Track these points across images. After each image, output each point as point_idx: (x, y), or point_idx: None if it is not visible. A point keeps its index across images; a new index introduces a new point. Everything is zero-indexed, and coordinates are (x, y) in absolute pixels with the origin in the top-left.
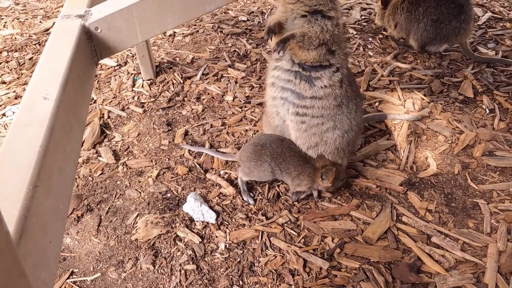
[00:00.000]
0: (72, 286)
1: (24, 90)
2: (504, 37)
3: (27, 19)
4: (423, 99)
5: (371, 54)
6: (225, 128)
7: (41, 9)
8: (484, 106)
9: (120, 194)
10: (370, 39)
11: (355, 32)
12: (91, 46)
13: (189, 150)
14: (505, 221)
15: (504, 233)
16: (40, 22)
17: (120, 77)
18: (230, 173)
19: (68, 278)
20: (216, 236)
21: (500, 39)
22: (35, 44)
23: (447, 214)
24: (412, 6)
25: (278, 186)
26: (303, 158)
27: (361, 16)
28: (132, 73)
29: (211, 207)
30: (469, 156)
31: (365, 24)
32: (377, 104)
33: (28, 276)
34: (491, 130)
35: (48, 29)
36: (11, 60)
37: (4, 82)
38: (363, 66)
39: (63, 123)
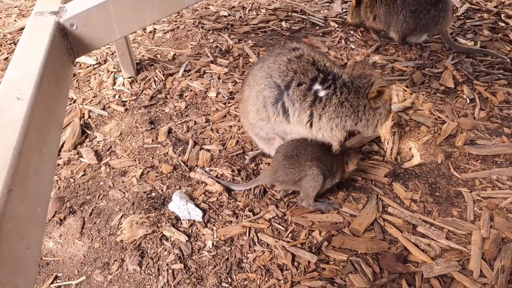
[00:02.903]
0: None
1: None
2: (482, 27)
3: (1, 18)
4: (405, 90)
5: (353, 47)
6: (209, 124)
7: (15, 7)
8: (464, 96)
9: (104, 195)
10: (351, 32)
11: (336, 25)
12: (67, 44)
13: (173, 148)
14: (487, 208)
15: (487, 220)
16: (15, 20)
17: (100, 75)
18: (216, 170)
19: (52, 283)
20: (203, 234)
21: (478, 30)
22: (10, 44)
23: (431, 204)
24: None
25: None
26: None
27: (342, 9)
28: (112, 71)
29: (197, 205)
30: (452, 145)
31: (346, 17)
32: None
33: (4, 284)
34: (472, 120)
35: (23, 27)
36: None
37: None
38: (346, 59)
39: (39, 123)
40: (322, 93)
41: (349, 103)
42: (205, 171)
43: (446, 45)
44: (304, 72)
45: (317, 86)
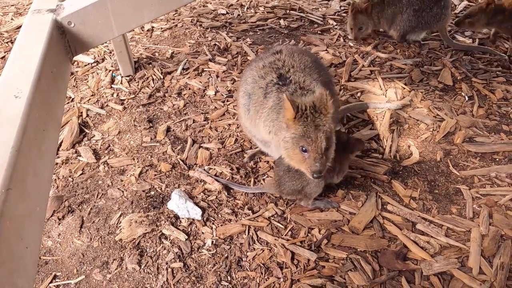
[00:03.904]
0: None
1: None
2: None
3: None
4: (404, 88)
5: (351, 44)
6: (208, 123)
7: (12, 5)
8: (463, 94)
9: (102, 193)
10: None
11: (335, 23)
12: (65, 42)
13: (172, 147)
14: (486, 205)
15: (486, 217)
16: (12, 19)
17: (98, 74)
18: (215, 168)
19: (51, 282)
20: (203, 233)
21: None
22: (7, 42)
23: (430, 201)
24: None
25: (264, 179)
26: None
27: (340, 7)
28: (110, 70)
29: (196, 204)
30: (450, 143)
31: (344, 14)
32: (359, 94)
33: (4, 284)
34: (470, 117)
35: (21, 26)
36: None
37: None
38: (344, 57)
39: (37, 122)
40: (268, 96)
41: (278, 108)
42: (205, 171)
43: (444, 43)
44: (265, 76)
45: (268, 89)
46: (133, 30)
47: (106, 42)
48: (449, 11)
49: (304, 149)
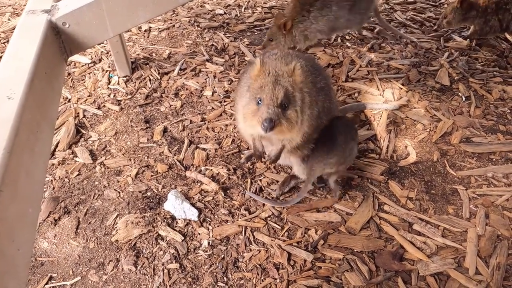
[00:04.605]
0: None
1: None
2: None
3: None
4: (401, 88)
5: (349, 45)
6: (205, 123)
7: (9, 6)
8: (460, 94)
9: (99, 194)
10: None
11: None
12: (59, 42)
13: (168, 147)
14: (483, 205)
15: (483, 218)
16: (9, 19)
17: (94, 74)
18: (211, 169)
19: (47, 283)
20: (199, 233)
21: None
22: (3, 43)
23: (427, 202)
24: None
25: (261, 180)
26: None
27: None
28: (107, 70)
29: (192, 204)
30: (447, 143)
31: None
32: (356, 94)
33: None
34: (467, 117)
35: None
36: None
37: None
38: (342, 57)
39: (30, 123)
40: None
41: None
42: (256, 194)
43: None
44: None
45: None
46: (130, 31)
47: (103, 43)
48: (368, 10)
49: (259, 101)
